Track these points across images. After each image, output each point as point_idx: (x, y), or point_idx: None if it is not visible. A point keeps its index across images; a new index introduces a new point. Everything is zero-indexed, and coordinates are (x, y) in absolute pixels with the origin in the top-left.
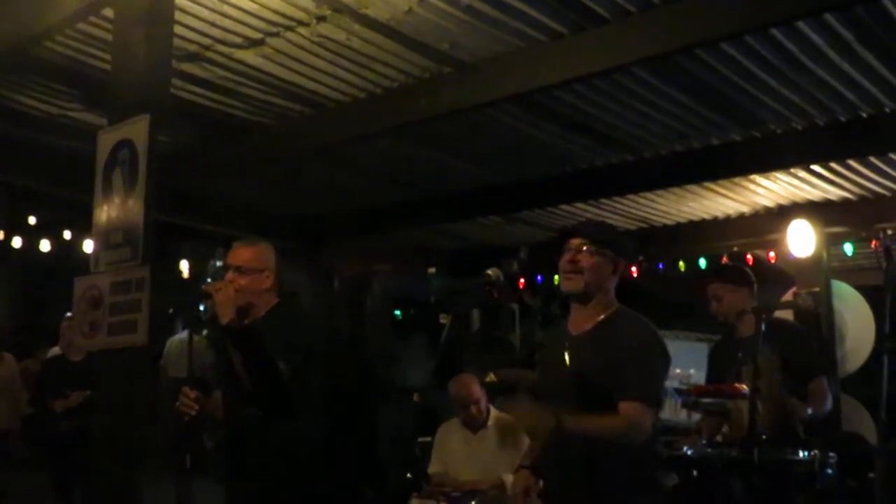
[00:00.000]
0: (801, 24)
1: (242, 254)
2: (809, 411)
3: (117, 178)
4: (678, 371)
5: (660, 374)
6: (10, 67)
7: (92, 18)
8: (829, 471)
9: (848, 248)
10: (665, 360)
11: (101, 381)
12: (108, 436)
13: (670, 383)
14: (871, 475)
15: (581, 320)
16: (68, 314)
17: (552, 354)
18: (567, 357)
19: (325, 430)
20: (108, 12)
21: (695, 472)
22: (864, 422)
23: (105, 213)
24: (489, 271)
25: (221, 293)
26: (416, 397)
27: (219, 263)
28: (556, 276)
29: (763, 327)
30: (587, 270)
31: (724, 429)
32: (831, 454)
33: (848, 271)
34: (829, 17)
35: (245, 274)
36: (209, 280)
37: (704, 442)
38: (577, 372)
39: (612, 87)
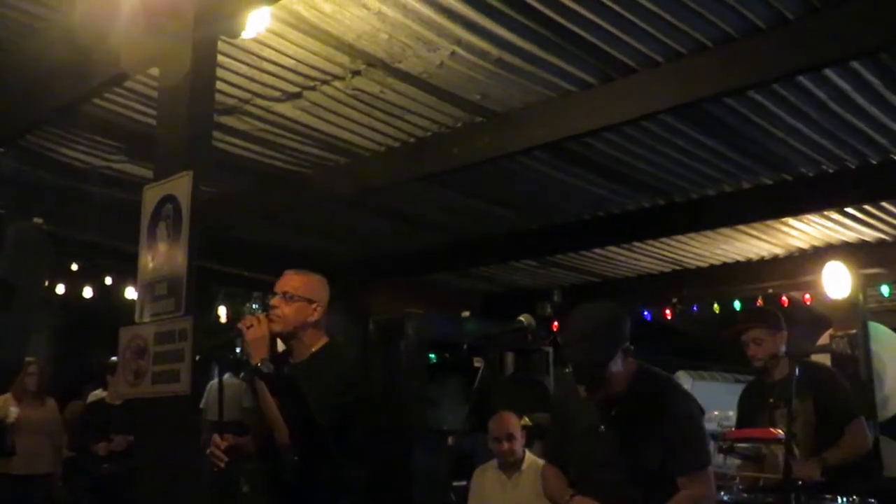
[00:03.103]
0: (827, 71)
1: (292, 280)
2: (830, 463)
3: (161, 232)
4: (716, 413)
5: (705, 433)
6: (57, 122)
7: (139, 77)
8: None
9: (885, 290)
10: (701, 411)
11: (144, 427)
12: (151, 481)
13: (709, 426)
14: None
15: (607, 392)
16: (113, 358)
17: (578, 421)
18: (603, 430)
19: (365, 476)
20: (154, 71)
21: None
22: None
23: (150, 265)
24: (522, 317)
25: (253, 330)
26: (450, 440)
27: (255, 307)
28: None
29: (797, 371)
30: (607, 381)
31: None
32: (871, 500)
33: (886, 313)
34: (855, 64)
35: (292, 301)
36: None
37: (741, 487)
38: (616, 446)
39: (642, 133)
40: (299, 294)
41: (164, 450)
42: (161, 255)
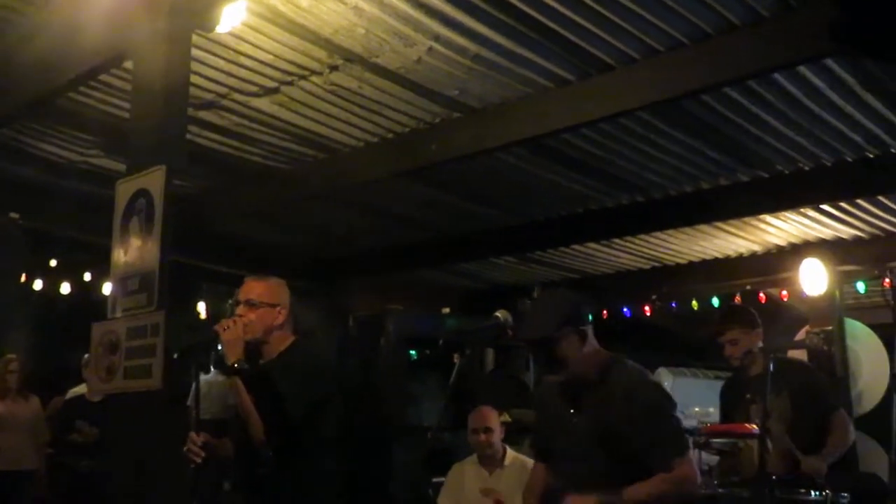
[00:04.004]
0: (802, 69)
1: (254, 288)
2: (830, 458)
3: (134, 227)
4: (696, 410)
5: (679, 422)
6: (34, 116)
7: (113, 70)
8: None
9: (861, 287)
10: (672, 403)
11: (117, 422)
12: (126, 478)
13: (688, 422)
14: None
15: (571, 382)
16: (87, 356)
17: (553, 412)
18: (574, 418)
19: (340, 471)
20: (129, 64)
21: None
22: (880, 461)
23: (122, 259)
24: (498, 313)
25: (229, 332)
26: (429, 436)
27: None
28: None
29: (772, 367)
30: (562, 360)
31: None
32: (843, 494)
33: (861, 309)
34: (829, 61)
35: (256, 308)
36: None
37: (716, 482)
38: (587, 433)
39: (620, 130)
40: (262, 300)
41: (137, 445)
42: (134, 250)
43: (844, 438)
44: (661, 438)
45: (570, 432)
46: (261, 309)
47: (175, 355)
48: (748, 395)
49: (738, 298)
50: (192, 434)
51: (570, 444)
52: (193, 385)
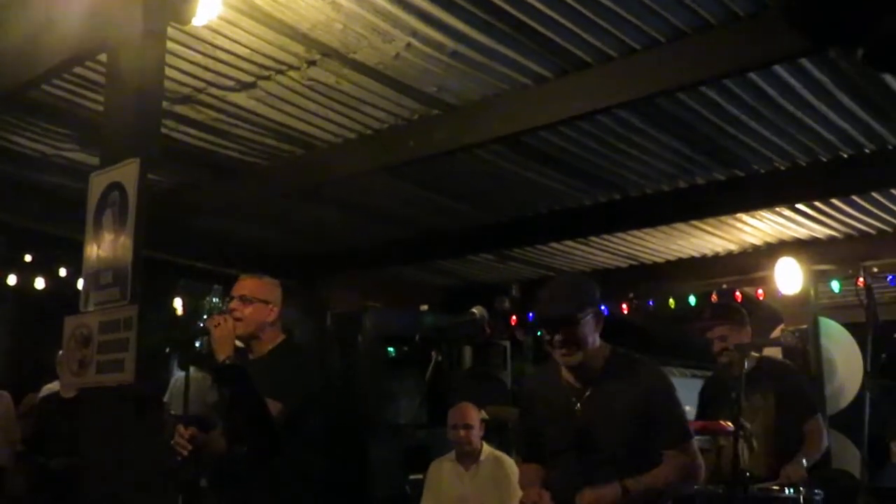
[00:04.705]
0: (777, 68)
1: (249, 284)
2: (805, 463)
3: (107, 220)
4: None
5: (683, 407)
6: (6, 109)
7: (87, 62)
8: None
9: (835, 286)
10: (675, 389)
11: (90, 418)
12: (98, 473)
13: None
14: None
15: (580, 371)
16: (61, 352)
17: (552, 405)
18: (578, 409)
19: (318, 468)
20: (103, 57)
21: None
22: (852, 458)
23: (95, 253)
24: (475, 309)
25: (220, 328)
26: (406, 434)
27: (215, 300)
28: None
29: (755, 365)
30: (582, 341)
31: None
32: (817, 491)
33: (836, 308)
34: (804, 61)
35: (250, 304)
36: (205, 317)
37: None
38: (593, 422)
39: (597, 128)
40: (256, 297)
41: (109, 440)
42: (107, 244)
43: (818, 445)
44: (671, 422)
45: (572, 424)
46: (254, 304)
47: (167, 349)
48: (733, 395)
49: (714, 297)
50: (180, 427)
51: (571, 437)
52: (172, 380)
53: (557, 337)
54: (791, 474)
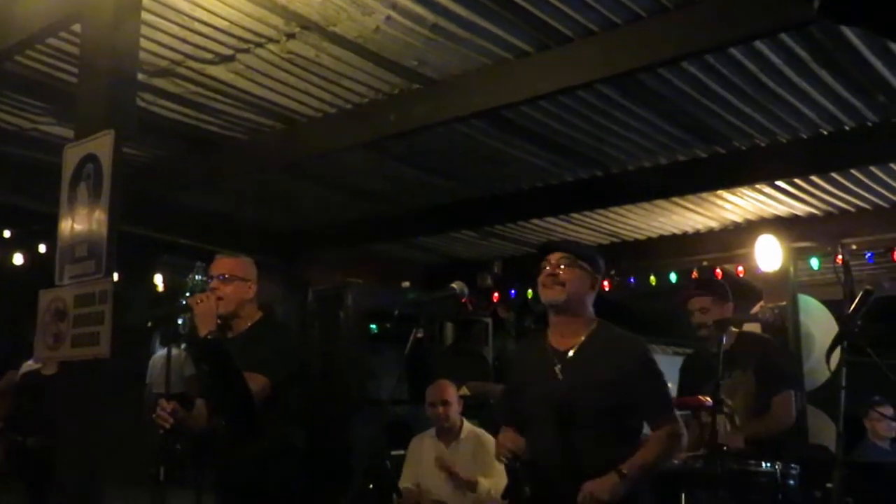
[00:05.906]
0: (758, 44)
1: (226, 263)
2: (752, 435)
3: (82, 193)
4: None
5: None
6: None
7: (62, 34)
8: (792, 482)
9: (814, 263)
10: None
11: (66, 393)
12: (73, 448)
13: None
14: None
15: (565, 335)
16: None
17: (533, 369)
18: (559, 372)
19: (301, 443)
20: (78, 27)
21: (661, 484)
22: (830, 434)
23: (70, 226)
24: (454, 284)
25: (203, 305)
26: (388, 409)
27: (198, 277)
28: (530, 291)
29: (735, 342)
30: (568, 282)
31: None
32: (794, 466)
33: (815, 285)
34: (784, 36)
35: (229, 282)
36: (188, 294)
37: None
38: (573, 387)
39: (578, 103)
40: (236, 275)
41: (84, 415)
42: (82, 217)
43: (781, 418)
44: (655, 393)
45: (551, 386)
46: (234, 283)
47: (149, 323)
48: (721, 370)
49: (695, 274)
50: (163, 401)
51: (550, 400)
52: (152, 360)
53: (552, 258)
54: (729, 442)
